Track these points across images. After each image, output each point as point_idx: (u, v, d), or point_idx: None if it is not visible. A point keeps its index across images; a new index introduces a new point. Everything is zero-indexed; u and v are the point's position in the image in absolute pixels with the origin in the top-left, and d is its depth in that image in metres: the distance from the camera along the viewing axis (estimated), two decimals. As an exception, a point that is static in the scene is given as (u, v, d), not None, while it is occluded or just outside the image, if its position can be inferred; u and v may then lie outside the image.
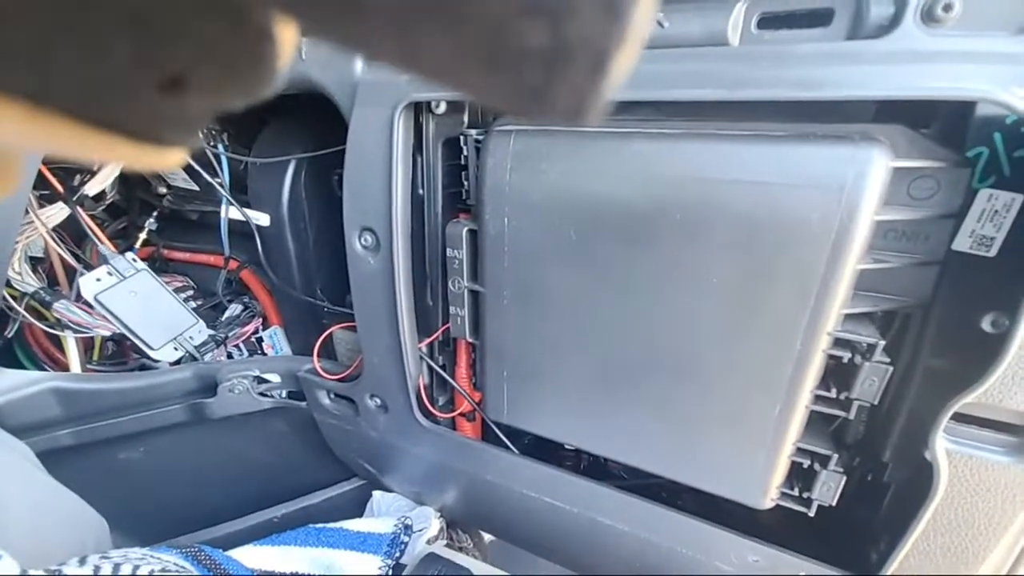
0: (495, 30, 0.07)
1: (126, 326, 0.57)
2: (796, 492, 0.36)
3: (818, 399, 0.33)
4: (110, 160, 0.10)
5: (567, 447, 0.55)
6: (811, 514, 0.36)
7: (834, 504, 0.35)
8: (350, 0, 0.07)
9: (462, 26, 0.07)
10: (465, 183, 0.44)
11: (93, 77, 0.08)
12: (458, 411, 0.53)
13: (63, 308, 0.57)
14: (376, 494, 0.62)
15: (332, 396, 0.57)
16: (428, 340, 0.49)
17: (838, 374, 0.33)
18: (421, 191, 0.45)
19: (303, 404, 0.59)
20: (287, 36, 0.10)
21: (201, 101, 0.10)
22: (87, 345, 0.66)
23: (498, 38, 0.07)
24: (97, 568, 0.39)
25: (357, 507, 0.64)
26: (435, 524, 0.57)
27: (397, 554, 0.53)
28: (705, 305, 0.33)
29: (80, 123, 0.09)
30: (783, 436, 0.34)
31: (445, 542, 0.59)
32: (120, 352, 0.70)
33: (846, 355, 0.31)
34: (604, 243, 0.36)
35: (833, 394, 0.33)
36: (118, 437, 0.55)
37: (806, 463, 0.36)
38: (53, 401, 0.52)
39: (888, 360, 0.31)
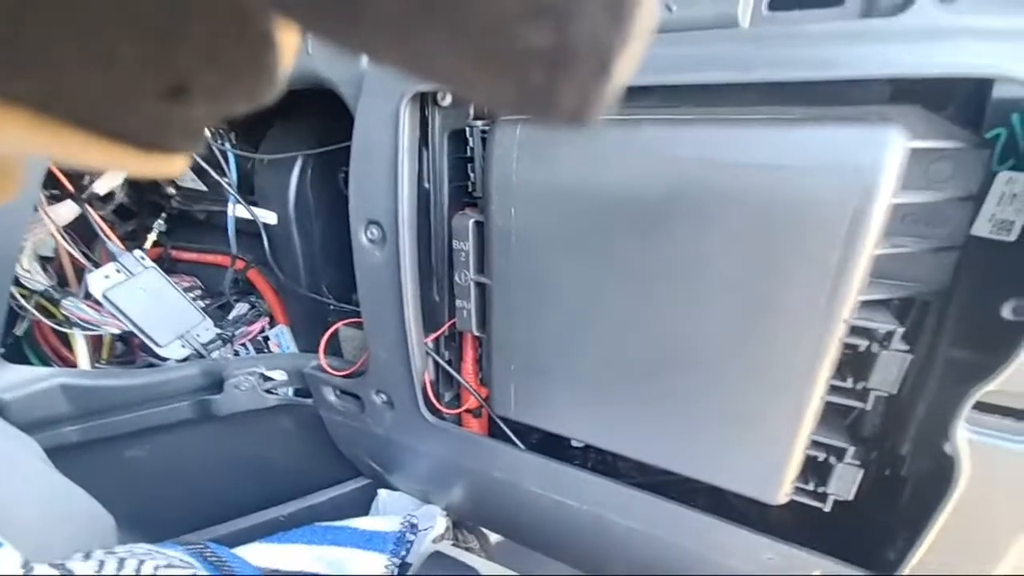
0: (499, 31, 0.07)
1: (133, 323, 0.57)
2: (811, 487, 0.35)
3: (834, 390, 0.32)
4: (114, 167, 0.10)
5: (574, 444, 0.54)
6: (826, 509, 0.35)
7: (851, 499, 0.34)
8: (352, 4, 0.07)
9: (465, 28, 0.07)
10: (471, 176, 0.44)
11: (96, 85, 0.08)
12: (464, 407, 0.52)
13: (71, 305, 0.57)
14: (382, 492, 0.62)
15: (338, 393, 0.56)
16: (434, 335, 0.49)
17: (855, 364, 0.32)
18: (427, 185, 0.45)
19: (309, 401, 0.59)
20: (289, 41, 0.10)
21: (204, 108, 0.10)
22: (96, 345, 0.66)
23: (502, 40, 0.07)
24: (102, 564, 0.39)
25: (362, 506, 0.63)
26: (441, 523, 0.56)
27: (403, 553, 0.53)
28: (717, 294, 0.32)
29: (83, 131, 0.09)
30: (798, 429, 0.33)
31: (451, 542, 0.58)
32: (129, 351, 0.70)
33: (863, 343, 0.31)
34: (612, 232, 0.35)
35: (850, 384, 0.32)
36: (125, 434, 0.55)
37: (821, 456, 0.35)
38: (61, 397, 0.52)
39: (907, 348, 0.30)
